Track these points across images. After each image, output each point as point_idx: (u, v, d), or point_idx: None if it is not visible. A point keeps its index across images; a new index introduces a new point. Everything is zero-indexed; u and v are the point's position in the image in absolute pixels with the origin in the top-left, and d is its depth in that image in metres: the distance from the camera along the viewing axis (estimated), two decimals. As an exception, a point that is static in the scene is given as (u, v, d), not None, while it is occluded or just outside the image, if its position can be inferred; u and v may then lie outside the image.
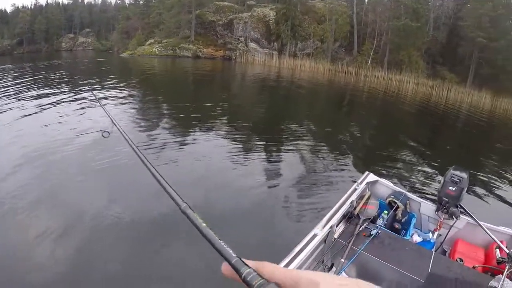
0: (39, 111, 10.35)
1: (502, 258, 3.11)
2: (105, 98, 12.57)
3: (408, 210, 3.94)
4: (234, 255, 0.42)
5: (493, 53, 26.07)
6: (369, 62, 31.63)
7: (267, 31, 35.18)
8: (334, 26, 32.45)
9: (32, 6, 56.16)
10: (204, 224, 0.48)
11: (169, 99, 14.53)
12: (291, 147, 8.65)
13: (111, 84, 16.94)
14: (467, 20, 27.87)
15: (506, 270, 2.83)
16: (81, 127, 8.63)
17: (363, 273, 3.00)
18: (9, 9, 59.08)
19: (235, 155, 7.62)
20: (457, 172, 3.62)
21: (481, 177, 8.00)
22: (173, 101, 13.99)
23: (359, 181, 4.12)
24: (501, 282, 2.62)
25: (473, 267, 3.13)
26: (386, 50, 31.18)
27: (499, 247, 3.26)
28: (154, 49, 36.31)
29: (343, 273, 2.87)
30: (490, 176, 8.40)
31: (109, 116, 2.17)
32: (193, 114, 11.53)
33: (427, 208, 3.97)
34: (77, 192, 5.43)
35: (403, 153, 9.45)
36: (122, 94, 13.99)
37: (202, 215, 0.49)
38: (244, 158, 7.56)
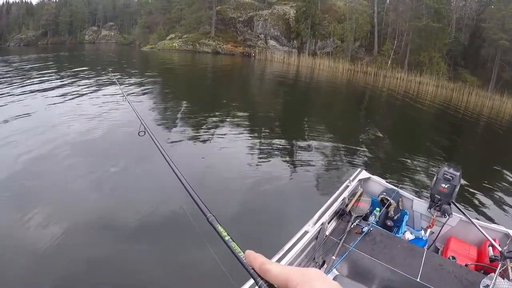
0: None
1: (495, 256, 3.09)
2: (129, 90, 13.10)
3: (401, 208, 3.90)
4: (250, 267, 0.47)
5: (517, 56, 25.55)
6: (389, 62, 31.20)
7: (287, 29, 35.26)
8: (354, 25, 32.10)
9: (57, -1, 57.78)
10: (227, 237, 0.55)
11: (190, 94, 14.86)
12: (299, 143, 8.79)
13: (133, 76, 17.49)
14: (490, 22, 27.12)
15: (498, 268, 2.82)
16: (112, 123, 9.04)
17: (355, 271, 3.01)
18: (34, 1, 60.78)
19: (244, 148, 7.83)
20: (450, 170, 3.59)
21: (474, 175, 7.82)
22: (194, 96, 14.31)
23: (351, 178, 4.05)
24: (493, 280, 2.59)
25: (466, 265, 3.10)
26: (406, 51, 30.71)
27: (492, 245, 3.23)
28: (174, 44, 36.92)
29: (334, 270, 2.89)
30: (483, 173, 8.30)
31: (139, 118, 2.24)
32: (213, 109, 11.78)
33: (419, 205, 3.94)
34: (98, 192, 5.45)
35: (404, 154, 9.28)
36: (144, 87, 14.45)
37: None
38: (258, 150, 7.75)
